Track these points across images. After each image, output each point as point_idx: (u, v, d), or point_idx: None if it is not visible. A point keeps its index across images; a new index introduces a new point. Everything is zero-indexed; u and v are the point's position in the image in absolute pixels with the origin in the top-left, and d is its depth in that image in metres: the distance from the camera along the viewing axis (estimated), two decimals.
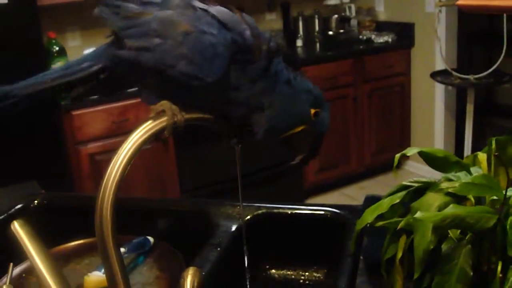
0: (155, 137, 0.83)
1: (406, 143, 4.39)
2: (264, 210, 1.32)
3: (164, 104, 0.85)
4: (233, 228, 1.25)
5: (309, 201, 4.01)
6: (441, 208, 0.66)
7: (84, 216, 0.95)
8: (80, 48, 3.41)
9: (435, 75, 3.86)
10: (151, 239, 1.27)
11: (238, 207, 1.31)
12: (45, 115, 2.95)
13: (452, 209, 0.63)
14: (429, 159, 0.73)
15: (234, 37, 0.85)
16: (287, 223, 1.32)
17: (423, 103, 4.31)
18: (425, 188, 0.72)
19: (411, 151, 0.73)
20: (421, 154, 0.73)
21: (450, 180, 0.72)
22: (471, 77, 3.58)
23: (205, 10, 0.87)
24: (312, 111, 0.93)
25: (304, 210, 1.32)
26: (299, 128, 0.94)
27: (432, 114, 4.27)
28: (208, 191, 3.47)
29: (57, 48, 3.17)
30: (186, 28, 0.84)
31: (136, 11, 0.89)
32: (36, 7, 2.89)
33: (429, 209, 0.67)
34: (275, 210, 1.32)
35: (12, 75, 0.98)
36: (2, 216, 1.35)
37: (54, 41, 3.19)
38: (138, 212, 1.40)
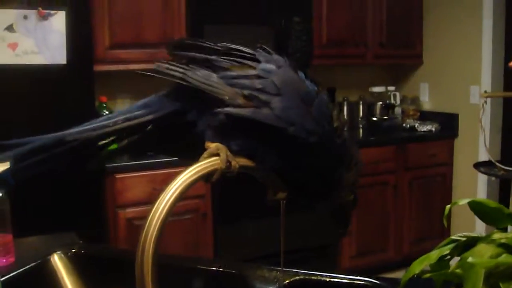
0: (205, 179, 0.83)
1: (447, 234, 4.26)
2: (302, 277, 1.29)
3: (220, 148, 0.85)
4: None
5: None
6: (493, 258, 0.63)
7: (120, 269, 0.94)
8: None
9: (478, 166, 3.80)
10: None
11: (275, 271, 1.29)
12: (90, 175, 2.98)
13: (505, 258, 0.60)
14: (480, 210, 0.71)
15: None
16: None
17: (464, 194, 4.22)
18: (475, 241, 0.70)
19: (462, 201, 0.71)
20: (471, 205, 0.71)
21: (502, 231, 0.70)
22: None
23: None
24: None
25: (343, 279, 1.28)
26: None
27: None
28: None
29: (107, 112, 3.24)
30: (306, 89, 0.90)
31: (235, 64, 0.91)
32: (92, 71, 3.01)
33: (481, 258, 0.64)
34: (313, 277, 1.30)
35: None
36: (40, 261, 1.34)
37: (105, 105, 3.29)
38: (171, 268, 1.37)
